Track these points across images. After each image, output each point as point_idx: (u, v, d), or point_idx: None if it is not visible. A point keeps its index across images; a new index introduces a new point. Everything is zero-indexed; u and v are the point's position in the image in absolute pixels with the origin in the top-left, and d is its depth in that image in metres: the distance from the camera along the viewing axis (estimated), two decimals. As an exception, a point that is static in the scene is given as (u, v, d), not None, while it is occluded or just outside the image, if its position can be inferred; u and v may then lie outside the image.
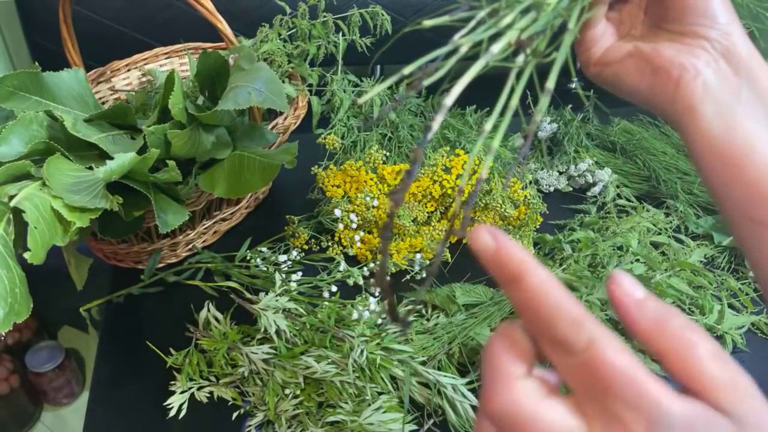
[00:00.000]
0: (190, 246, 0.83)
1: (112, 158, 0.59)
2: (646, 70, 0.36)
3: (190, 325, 0.70)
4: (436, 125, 0.28)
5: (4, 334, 0.50)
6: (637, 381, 0.21)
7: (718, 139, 0.34)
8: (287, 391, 0.63)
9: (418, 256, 0.80)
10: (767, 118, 0.33)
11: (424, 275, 0.80)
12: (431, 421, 0.64)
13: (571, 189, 1.01)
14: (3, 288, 0.51)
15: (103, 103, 0.91)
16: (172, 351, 0.69)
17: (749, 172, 0.33)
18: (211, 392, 0.66)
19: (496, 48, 0.30)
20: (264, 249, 0.81)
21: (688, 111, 0.35)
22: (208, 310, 0.70)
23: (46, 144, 0.60)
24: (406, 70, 0.30)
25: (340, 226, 0.82)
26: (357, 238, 0.82)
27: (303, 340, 0.66)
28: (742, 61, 0.34)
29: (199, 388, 0.66)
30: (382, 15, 0.97)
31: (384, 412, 0.61)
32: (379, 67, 1.48)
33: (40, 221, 0.54)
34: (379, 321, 0.70)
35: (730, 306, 0.76)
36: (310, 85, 0.95)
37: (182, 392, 0.65)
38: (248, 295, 0.71)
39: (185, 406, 0.64)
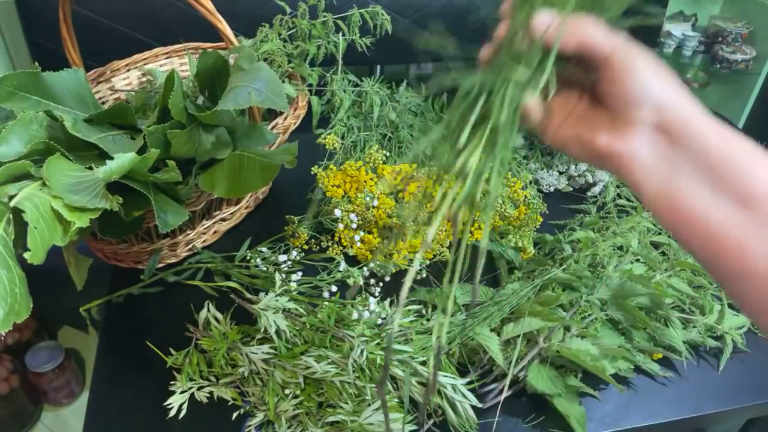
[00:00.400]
0: (190, 246, 0.83)
1: (112, 158, 0.59)
2: (590, 155, 0.37)
3: (190, 325, 0.70)
4: (396, 325, 0.30)
5: (4, 334, 0.50)
6: None
7: (666, 210, 0.35)
8: (287, 391, 0.63)
9: (418, 255, 0.80)
10: (710, 179, 0.34)
11: (424, 275, 0.80)
12: (431, 421, 0.64)
13: (571, 189, 1.01)
14: (3, 288, 0.51)
15: (103, 103, 0.91)
16: (172, 351, 0.69)
17: (700, 236, 0.34)
18: (211, 392, 0.66)
19: (429, 238, 0.35)
20: (264, 249, 0.81)
21: (634, 187, 0.36)
22: (208, 310, 0.70)
23: (46, 144, 0.60)
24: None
25: (340, 226, 0.82)
26: (357, 238, 0.82)
27: (303, 340, 0.66)
28: (677, 131, 0.34)
29: (199, 388, 0.65)
30: (382, 15, 0.97)
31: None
32: (379, 67, 1.49)
33: (40, 221, 0.54)
34: (379, 321, 0.70)
35: (730, 306, 0.76)
36: (310, 85, 0.95)
37: (182, 392, 0.65)
38: (248, 295, 0.71)
39: (185, 406, 0.64)
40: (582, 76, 0.37)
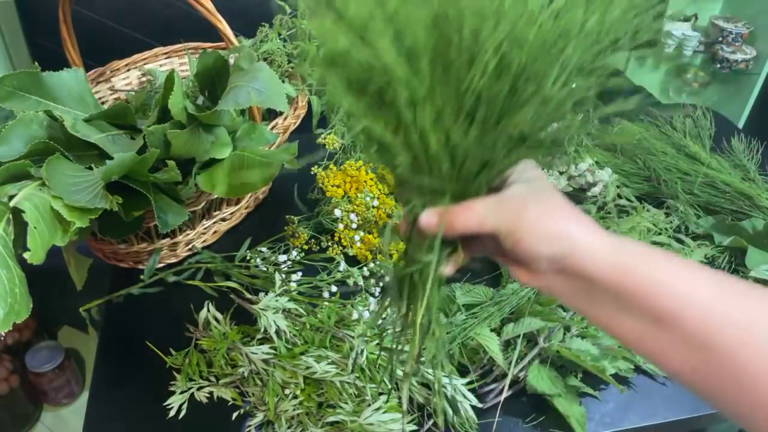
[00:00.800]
0: (190, 246, 0.83)
1: (112, 158, 0.59)
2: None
3: (190, 325, 0.70)
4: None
5: (4, 334, 0.50)
6: None
7: (590, 321, 0.39)
8: (287, 391, 0.63)
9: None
10: (618, 304, 0.36)
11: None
12: (431, 421, 0.63)
13: (571, 189, 1.01)
14: (3, 288, 0.51)
15: (103, 103, 0.91)
16: (172, 351, 0.69)
17: (625, 343, 0.38)
18: (211, 392, 0.66)
19: (406, 391, 0.45)
20: (264, 249, 0.81)
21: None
22: (208, 310, 0.70)
23: (46, 144, 0.60)
24: None
25: (340, 226, 0.82)
26: (357, 238, 0.82)
27: (303, 340, 0.66)
28: (575, 273, 0.37)
29: (199, 388, 0.65)
30: (382, 15, 0.97)
31: (384, 412, 0.60)
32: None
33: (40, 221, 0.54)
34: (379, 321, 0.70)
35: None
36: (310, 85, 0.95)
37: (182, 392, 0.65)
38: (248, 295, 0.71)
39: (185, 406, 0.64)
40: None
